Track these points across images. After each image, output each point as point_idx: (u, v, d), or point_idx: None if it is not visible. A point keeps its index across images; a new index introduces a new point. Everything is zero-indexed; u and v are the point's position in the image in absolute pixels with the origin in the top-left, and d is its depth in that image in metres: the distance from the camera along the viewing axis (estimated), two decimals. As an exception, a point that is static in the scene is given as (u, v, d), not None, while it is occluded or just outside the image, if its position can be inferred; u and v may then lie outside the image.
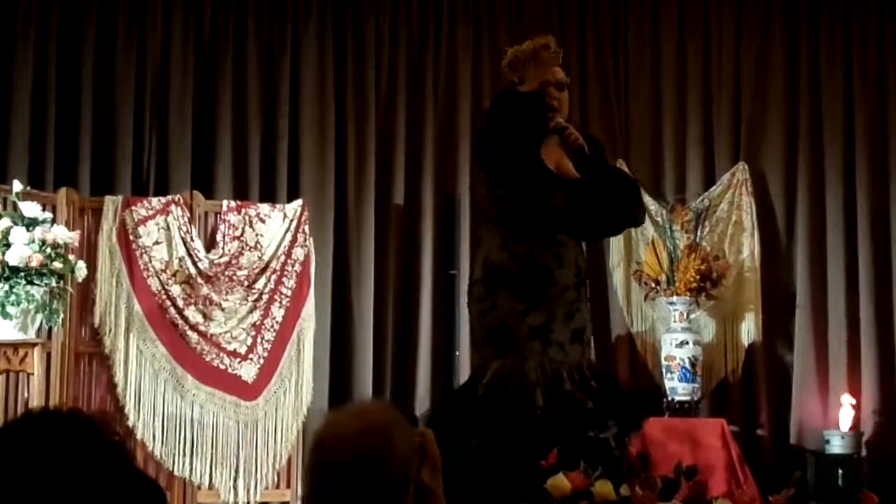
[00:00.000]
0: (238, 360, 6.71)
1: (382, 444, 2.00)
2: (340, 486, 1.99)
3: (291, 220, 6.94)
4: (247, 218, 6.90)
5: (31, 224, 6.09)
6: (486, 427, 4.34)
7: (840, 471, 6.83)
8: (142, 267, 6.66)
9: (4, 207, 6.28)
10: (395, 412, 2.10)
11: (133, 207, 6.73)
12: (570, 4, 7.75)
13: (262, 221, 6.92)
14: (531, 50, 4.57)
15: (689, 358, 7.10)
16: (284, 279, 6.86)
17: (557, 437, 4.25)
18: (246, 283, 6.80)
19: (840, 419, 7.15)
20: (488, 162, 4.61)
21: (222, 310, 6.73)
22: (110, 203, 6.72)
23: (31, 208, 6.15)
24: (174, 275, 6.69)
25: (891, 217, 7.43)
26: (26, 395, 6.21)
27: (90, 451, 1.62)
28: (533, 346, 4.40)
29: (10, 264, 5.94)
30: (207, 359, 6.66)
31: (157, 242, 6.70)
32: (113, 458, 1.64)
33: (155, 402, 6.57)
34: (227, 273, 6.78)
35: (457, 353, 7.29)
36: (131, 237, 6.67)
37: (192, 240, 6.76)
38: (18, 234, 5.99)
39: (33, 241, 6.01)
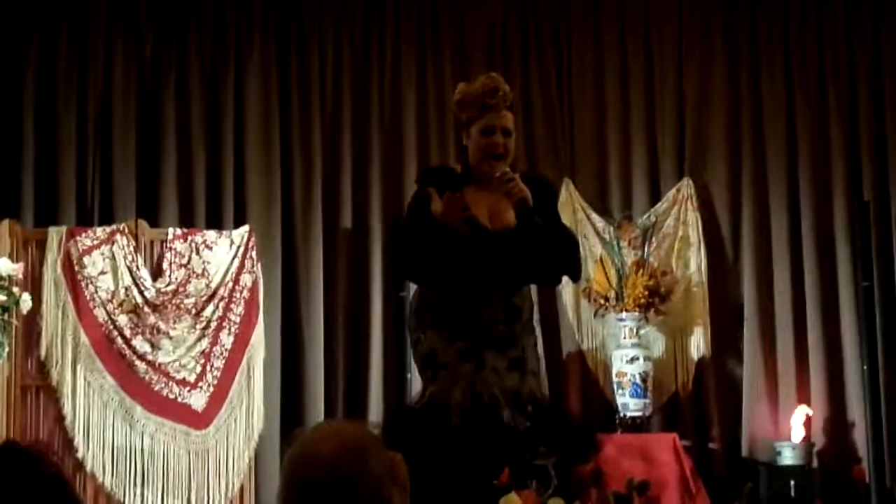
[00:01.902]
0: (187, 388, 6.65)
1: (357, 464, 2.00)
2: None
3: (238, 247, 6.90)
4: (193, 245, 6.85)
5: (-27, 257, 6.02)
6: (410, 448, 4.32)
7: (792, 482, 6.87)
8: (88, 297, 6.60)
9: (-54, 241, 6.21)
10: (370, 432, 2.11)
11: (77, 238, 6.67)
12: (513, 28, 7.77)
13: (209, 248, 6.87)
14: (479, 93, 4.49)
15: (639, 373, 7.13)
16: (233, 306, 6.82)
17: (480, 456, 4.22)
18: (194, 310, 6.76)
19: (791, 431, 7.19)
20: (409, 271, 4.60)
21: (170, 338, 6.68)
22: (54, 234, 6.66)
23: (-27, 241, 6.08)
24: (121, 304, 6.63)
25: (834, 227, 7.51)
26: (-28, 430, 6.13)
27: (28, 482, 1.60)
28: (464, 369, 4.38)
29: (-47, 298, 5.87)
30: (156, 388, 6.60)
31: (102, 272, 6.65)
32: (51, 489, 1.61)
33: (104, 433, 6.51)
34: (174, 301, 6.73)
35: (409, 376, 7.27)
36: (76, 268, 6.61)
37: (137, 269, 6.71)
38: (-39, 268, 5.93)
39: (-24, 275, 5.95)
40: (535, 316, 4.91)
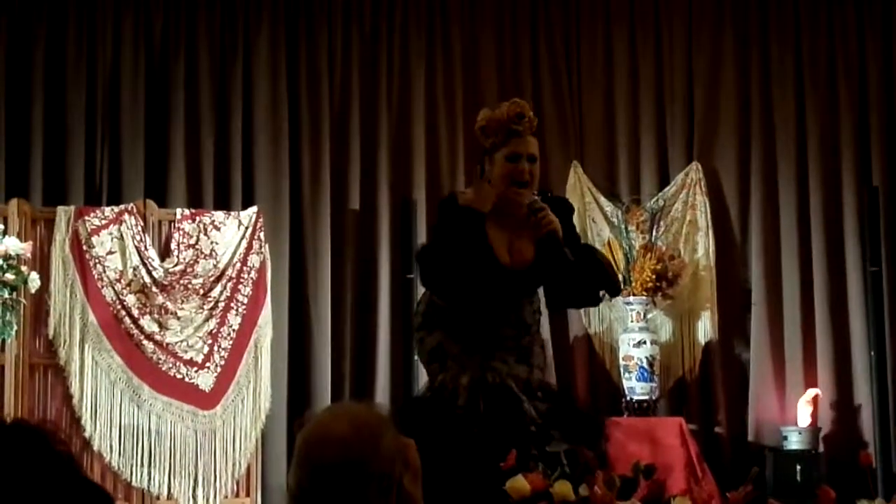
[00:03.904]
0: (195, 368, 6.67)
1: (370, 446, 2.01)
2: (327, 485, 2.00)
3: (246, 228, 6.91)
4: (201, 226, 6.86)
5: (-19, 236, 6.04)
6: (420, 434, 4.32)
7: (798, 466, 6.89)
8: (96, 277, 6.61)
9: (-45, 219, 6.23)
10: (383, 415, 2.12)
11: (86, 217, 6.68)
12: (523, 9, 7.76)
13: (217, 229, 6.88)
14: (504, 119, 4.44)
15: (646, 357, 7.13)
16: (240, 286, 6.83)
17: (489, 437, 4.23)
18: (201, 291, 6.77)
19: (798, 415, 7.20)
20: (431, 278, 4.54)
21: (178, 319, 6.70)
22: (63, 213, 6.67)
23: (-19, 220, 6.10)
24: (129, 284, 6.65)
25: (843, 211, 7.50)
26: (-20, 408, 6.15)
27: (37, 460, 1.60)
28: (473, 359, 4.39)
29: (-38, 277, 5.89)
30: (164, 368, 6.62)
31: (110, 252, 6.66)
32: (60, 467, 1.62)
33: (111, 412, 6.53)
34: (182, 281, 6.75)
35: (416, 358, 7.27)
36: (85, 247, 6.63)
37: (146, 249, 6.72)
38: (-31, 247, 5.94)
39: (-16, 253, 5.97)
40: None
